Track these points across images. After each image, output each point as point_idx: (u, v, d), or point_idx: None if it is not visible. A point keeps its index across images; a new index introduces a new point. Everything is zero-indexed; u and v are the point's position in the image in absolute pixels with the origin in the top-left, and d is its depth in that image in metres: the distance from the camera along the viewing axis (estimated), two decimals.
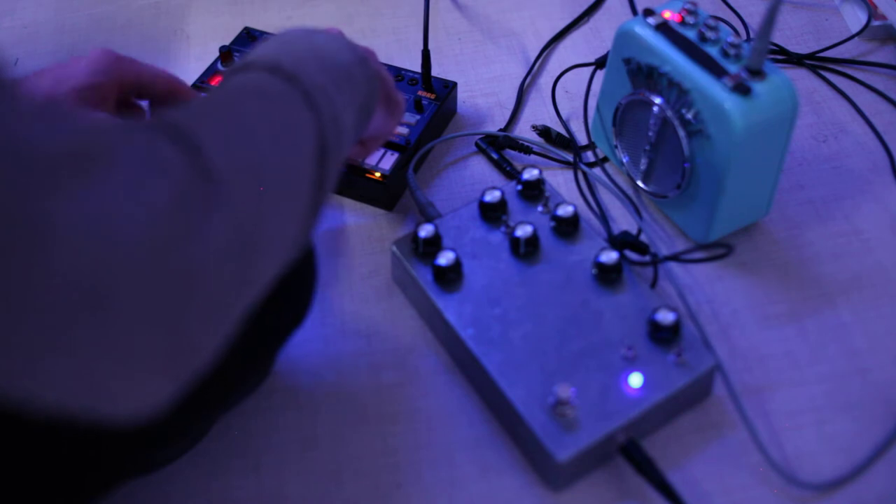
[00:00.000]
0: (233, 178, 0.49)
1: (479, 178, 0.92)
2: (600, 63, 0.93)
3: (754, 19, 1.05)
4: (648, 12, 0.81)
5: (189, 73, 1.01)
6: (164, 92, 0.79)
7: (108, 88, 0.75)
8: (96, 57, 0.75)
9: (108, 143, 0.44)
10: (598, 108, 0.90)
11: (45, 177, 0.40)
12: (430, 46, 0.94)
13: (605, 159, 0.91)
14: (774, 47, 1.01)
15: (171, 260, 0.44)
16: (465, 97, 0.99)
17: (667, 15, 0.81)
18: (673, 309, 0.72)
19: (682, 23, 0.80)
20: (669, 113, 0.79)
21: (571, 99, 0.98)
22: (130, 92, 0.78)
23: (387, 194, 0.88)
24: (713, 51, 0.78)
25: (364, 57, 0.68)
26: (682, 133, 0.79)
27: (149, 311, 0.43)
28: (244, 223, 0.50)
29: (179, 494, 0.70)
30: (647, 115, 0.82)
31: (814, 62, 1.00)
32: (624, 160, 0.87)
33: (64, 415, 0.44)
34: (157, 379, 0.45)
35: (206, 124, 0.52)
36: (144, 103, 0.82)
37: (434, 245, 0.78)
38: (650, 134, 0.82)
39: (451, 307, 0.75)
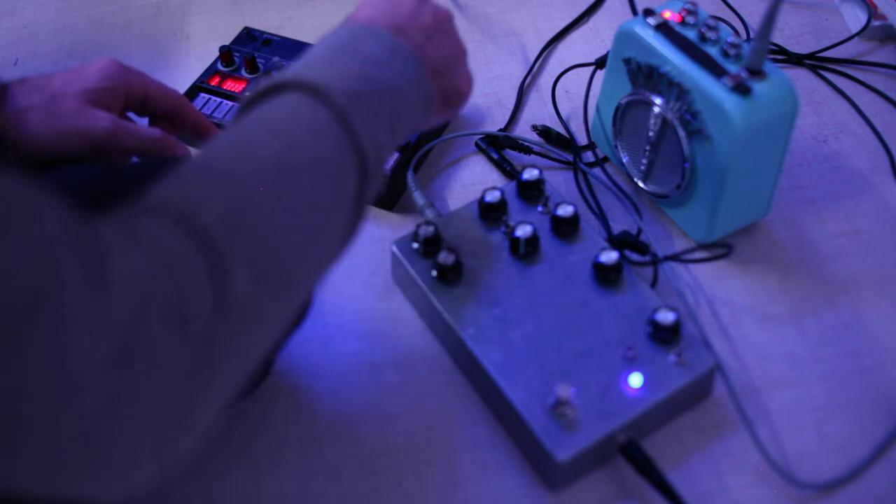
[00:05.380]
0: (256, 297, 0.48)
1: (479, 178, 0.91)
2: (600, 63, 0.93)
3: (754, 19, 1.05)
4: (648, 12, 0.81)
5: (189, 73, 1.01)
6: (168, 109, 0.80)
7: (115, 95, 0.76)
8: (106, 64, 0.77)
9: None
10: (598, 108, 0.90)
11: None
12: None
13: (605, 159, 0.91)
14: (774, 47, 1.01)
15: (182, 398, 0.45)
16: None
17: (667, 15, 0.81)
18: (673, 309, 0.72)
19: (682, 23, 0.80)
20: (669, 113, 0.79)
21: (571, 99, 0.98)
22: (135, 104, 0.79)
23: (387, 194, 0.88)
24: (713, 51, 0.78)
25: (419, 59, 0.64)
26: (682, 133, 0.79)
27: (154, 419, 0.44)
28: (267, 323, 0.50)
29: (180, 494, 0.70)
30: (647, 115, 0.82)
31: (814, 62, 1.00)
32: (624, 160, 0.87)
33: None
34: (151, 466, 0.46)
35: (231, 223, 0.47)
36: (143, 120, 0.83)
37: (434, 245, 0.78)
38: (650, 134, 0.82)
39: (451, 307, 0.75)
